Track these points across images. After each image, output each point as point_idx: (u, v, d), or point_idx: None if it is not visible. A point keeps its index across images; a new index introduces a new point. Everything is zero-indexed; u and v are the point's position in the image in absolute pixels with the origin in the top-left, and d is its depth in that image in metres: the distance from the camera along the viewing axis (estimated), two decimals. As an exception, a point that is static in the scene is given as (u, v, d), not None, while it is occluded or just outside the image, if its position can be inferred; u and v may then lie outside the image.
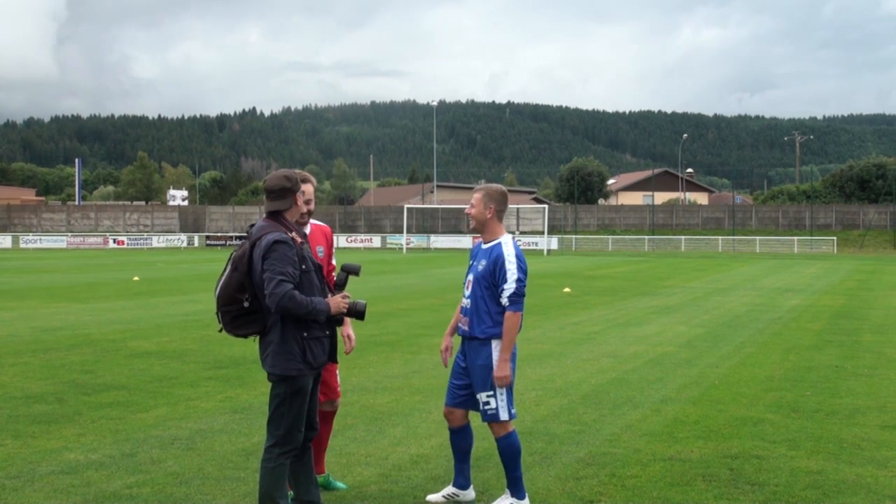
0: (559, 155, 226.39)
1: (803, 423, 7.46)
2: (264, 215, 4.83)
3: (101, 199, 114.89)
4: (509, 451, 5.22)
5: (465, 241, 60.26)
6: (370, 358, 10.90)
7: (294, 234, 4.70)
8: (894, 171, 68.81)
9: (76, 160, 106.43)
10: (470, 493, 5.49)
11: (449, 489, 5.50)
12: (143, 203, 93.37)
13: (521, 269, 5.21)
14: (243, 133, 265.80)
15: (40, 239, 64.40)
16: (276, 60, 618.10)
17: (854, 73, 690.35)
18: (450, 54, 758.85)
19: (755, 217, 69.92)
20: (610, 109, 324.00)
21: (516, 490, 5.25)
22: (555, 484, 5.76)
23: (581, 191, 77.35)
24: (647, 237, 66.19)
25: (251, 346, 4.90)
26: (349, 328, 5.57)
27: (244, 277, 4.62)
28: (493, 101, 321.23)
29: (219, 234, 68.71)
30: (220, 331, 4.81)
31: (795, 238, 61.63)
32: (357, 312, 4.83)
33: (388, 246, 64.17)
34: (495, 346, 5.22)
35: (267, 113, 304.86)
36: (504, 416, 5.22)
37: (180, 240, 67.45)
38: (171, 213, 77.55)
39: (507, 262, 5.19)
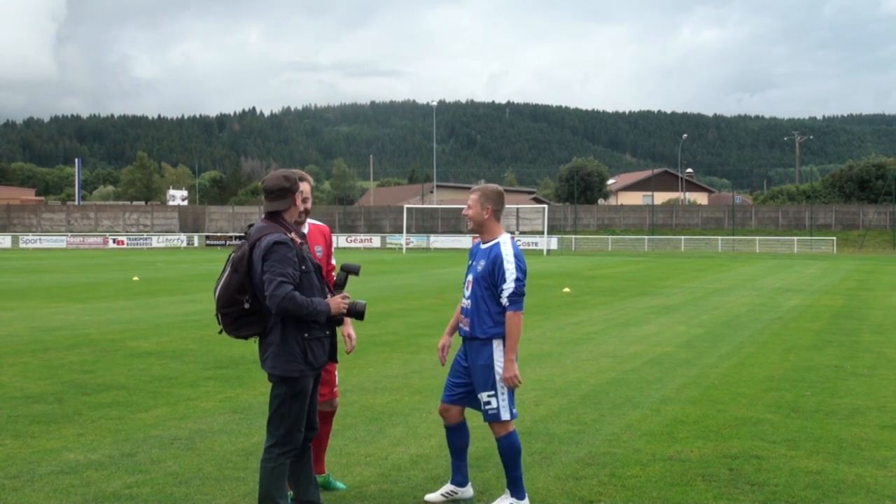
0: (559, 155, 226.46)
1: (803, 423, 7.46)
2: (263, 216, 4.83)
3: (100, 199, 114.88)
4: (510, 451, 5.23)
5: (465, 241, 60.24)
6: (370, 358, 10.90)
7: (293, 234, 4.70)
8: (894, 171, 68.79)
9: (76, 160, 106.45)
10: (468, 491, 5.49)
11: (447, 487, 5.50)
12: (142, 203, 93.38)
13: (520, 268, 5.21)
14: (243, 133, 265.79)
15: (40, 239, 64.39)
16: (276, 60, 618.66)
17: (853, 74, 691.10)
18: (449, 54, 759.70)
19: (755, 217, 69.93)
20: (610, 109, 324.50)
21: (516, 490, 5.26)
22: (554, 484, 5.76)
23: (581, 191, 77.35)
24: (646, 237, 66.19)
25: (251, 345, 4.90)
26: (349, 328, 5.57)
27: (244, 278, 4.61)
28: (493, 101, 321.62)
29: (218, 234, 68.70)
30: (220, 332, 4.80)
31: (795, 238, 61.64)
32: (357, 312, 4.83)
33: (388, 246, 64.16)
34: (496, 345, 5.22)
35: (267, 113, 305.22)
36: (505, 416, 5.22)
37: (180, 240, 67.45)
38: (170, 213, 77.54)
39: (505, 262, 5.19)
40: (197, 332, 13.49)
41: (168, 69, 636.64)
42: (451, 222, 70.70)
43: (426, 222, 71.88)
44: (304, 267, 4.64)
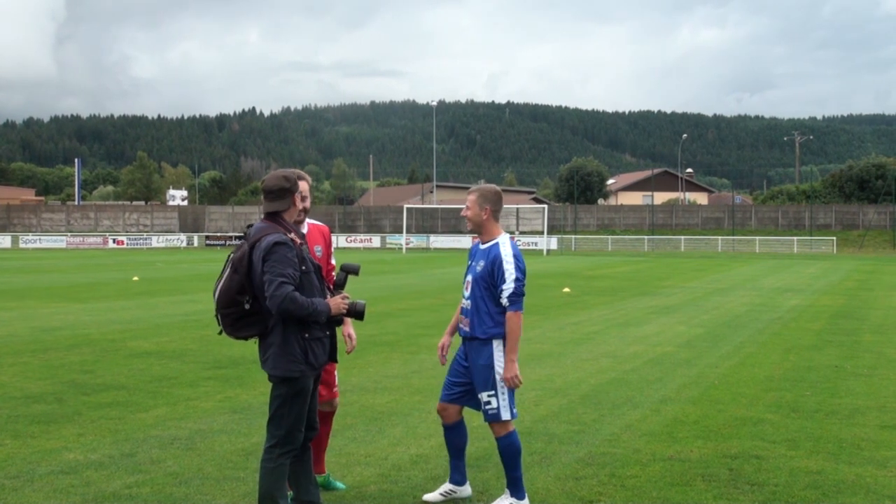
0: (559, 155, 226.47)
1: (803, 423, 7.46)
2: (262, 216, 4.83)
3: (100, 199, 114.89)
4: (510, 451, 5.23)
5: (465, 241, 60.23)
6: (369, 358, 10.90)
7: (293, 234, 4.70)
8: (894, 171, 68.82)
9: (76, 160, 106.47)
10: (466, 489, 5.50)
11: (446, 486, 5.50)
12: (142, 203, 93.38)
13: (520, 268, 5.21)
14: (243, 133, 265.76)
15: (40, 239, 64.39)
16: (276, 60, 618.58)
17: (853, 74, 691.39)
18: (449, 54, 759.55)
19: (755, 217, 69.94)
20: (609, 109, 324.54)
21: (516, 490, 5.25)
22: (554, 484, 5.76)
23: (580, 191, 77.36)
24: (646, 237, 66.20)
25: (251, 346, 4.91)
26: (350, 328, 5.58)
27: (244, 279, 4.60)
28: (493, 101, 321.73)
29: (218, 234, 68.71)
30: (220, 333, 4.80)
31: (795, 238, 61.65)
32: (357, 312, 4.83)
33: (388, 246, 64.17)
34: (496, 345, 5.23)
35: (266, 113, 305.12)
36: (506, 415, 5.22)
37: (180, 240, 67.45)
38: (170, 213, 77.54)
39: (504, 263, 5.19)
40: (197, 332, 13.49)
41: (168, 69, 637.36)
42: (451, 222, 70.70)
43: (426, 222, 71.88)
44: (304, 267, 4.64)
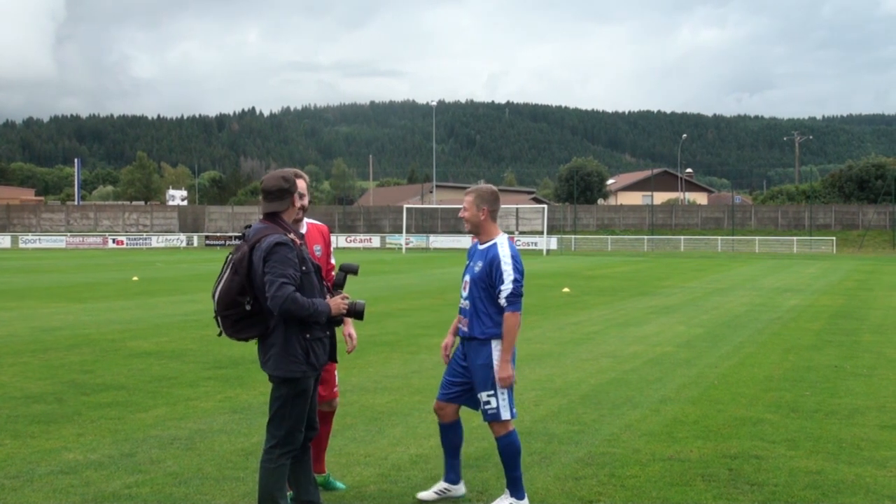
0: (558, 155, 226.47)
1: (802, 423, 7.46)
2: (261, 216, 4.82)
3: (100, 199, 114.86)
4: (509, 451, 5.23)
5: (465, 241, 60.20)
6: (369, 358, 10.90)
7: (292, 235, 4.70)
8: (893, 171, 68.83)
9: (75, 160, 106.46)
10: (461, 488, 5.50)
11: (440, 484, 5.50)
12: (142, 203, 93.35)
13: (518, 269, 5.20)
14: (242, 133, 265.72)
15: (39, 239, 64.38)
16: (276, 60, 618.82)
17: (853, 74, 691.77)
18: (449, 54, 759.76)
19: (754, 217, 69.95)
20: (609, 109, 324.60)
21: (516, 490, 5.25)
22: (554, 484, 5.76)
23: (580, 191, 77.36)
24: (646, 237, 66.20)
25: (250, 345, 4.90)
26: (350, 327, 5.58)
27: (245, 280, 4.59)
28: (493, 101, 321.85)
29: (218, 234, 68.70)
30: (220, 335, 4.78)
31: (795, 238, 61.66)
32: (356, 312, 4.84)
33: (388, 246, 64.17)
34: (495, 345, 5.23)
35: (266, 113, 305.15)
36: (505, 415, 5.22)
37: (179, 240, 67.44)
38: (170, 213, 77.53)
39: (502, 263, 5.19)
40: (196, 332, 13.49)
41: (167, 69, 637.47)
42: (451, 222, 70.70)
43: (426, 222, 71.89)
44: (304, 268, 4.64)
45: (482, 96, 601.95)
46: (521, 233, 68.06)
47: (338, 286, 4.99)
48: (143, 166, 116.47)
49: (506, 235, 5.41)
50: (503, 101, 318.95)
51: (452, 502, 5.45)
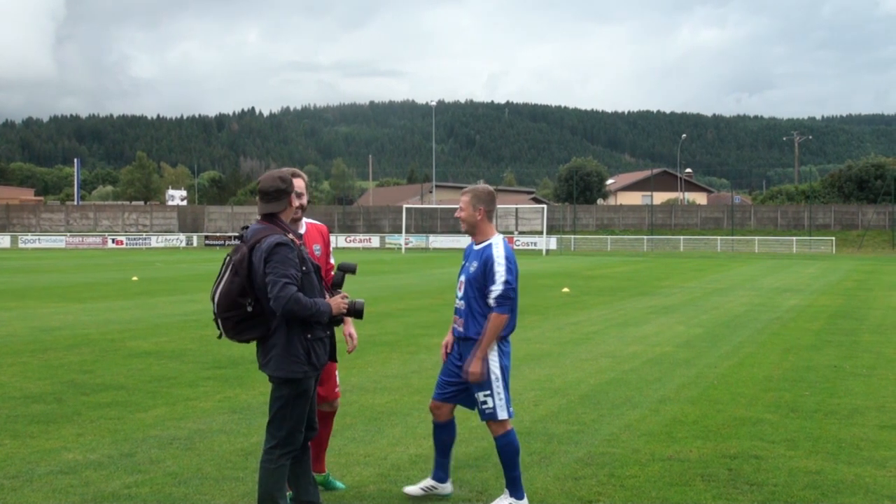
0: (558, 155, 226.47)
1: (802, 423, 7.46)
2: (258, 217, 4.81)
3: (99, 198, 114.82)
4: (508, 451, 5.22)
5: (464, 241, 59.92)
6: (369, 358, 10.90)
7: (291, 235, 4.69)
8: (893, 171, 68.85)
9: (75, 160, 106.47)
10: (448, 487, 5.50)
11: (428, 482, 5.50)
12: (141, 203, 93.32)
13: (511, 270, 5.18)
14: (242, 133, 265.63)
15: (39, 239, 64.37)
16: (275, 60, 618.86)
17: (852, 74, 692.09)
18: (449, 54, 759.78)
19: (754, 217, 69.97)
20: (609, 109, 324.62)
21: (515, 490, 5.25)
22: (553, 484, 5.76)
23: (580, 191, 77.36)
24: (645, 237, 66.21)
25: (250, 345, 4.90)
26: (351, 327, 5.58)
27: (245, 281, 4.57)
28: (492, 101, 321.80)
29: (217, 234, 68.70)
30: (220, 337, 4.77)
31: (794, 238, 61.67)
32: (356, 311, 4.84)
33: (387, 246, 64.17)
34: (491, 345, 5.23)
35: (266, 113, 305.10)
36: (502, 415, 5.22)
37: (179, 240, 67.43)
38: (169, 212, 77.52)
39: (496, 264, 5.17)
40: (196, 331, 13.48)
41: (167, 69, 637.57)
42: (451, 222, 70.68)
43: (425, 222, 71.89)
44: (304, 268, 4.63)
45: (482, 96, 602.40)
46: (521, 233, 68.08)
47: (336, 286, 4.99)
48: (142, 166, 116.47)
49: (502, 236, 5.40)
50: (503, 101, 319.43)
51: (438, 500, 5.45)
